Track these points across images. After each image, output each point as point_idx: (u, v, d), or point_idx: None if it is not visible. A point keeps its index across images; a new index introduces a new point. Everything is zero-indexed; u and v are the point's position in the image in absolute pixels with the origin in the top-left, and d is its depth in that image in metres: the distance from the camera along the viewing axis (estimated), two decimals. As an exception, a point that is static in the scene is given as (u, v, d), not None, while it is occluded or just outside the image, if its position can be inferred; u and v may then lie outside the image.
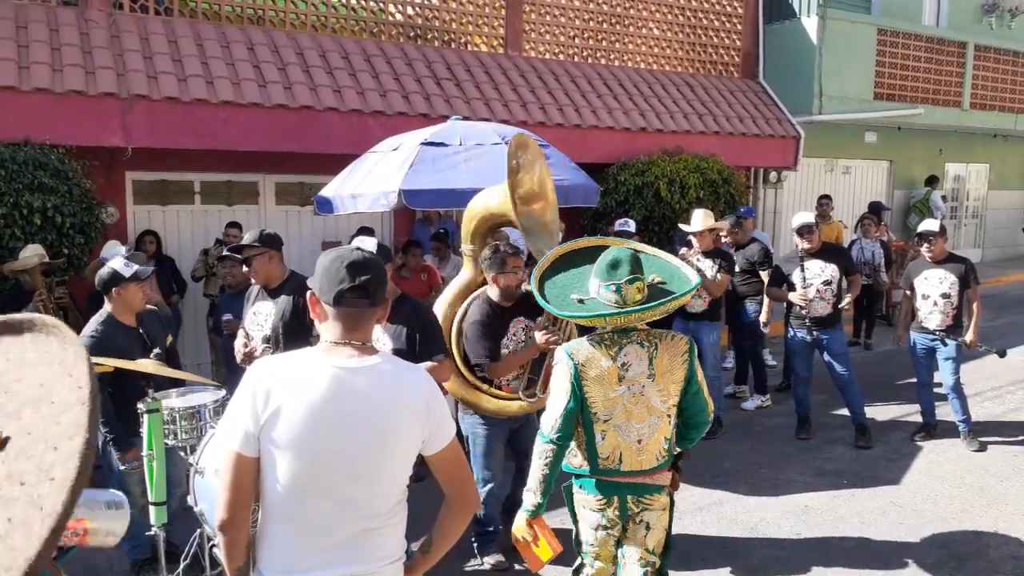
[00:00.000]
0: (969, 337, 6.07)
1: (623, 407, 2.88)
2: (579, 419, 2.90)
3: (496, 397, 4.28)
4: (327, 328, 2.04)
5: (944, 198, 14.44)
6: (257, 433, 1.94)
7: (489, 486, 4.36)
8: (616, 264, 2.83)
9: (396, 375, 2.04)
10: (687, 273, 3.04)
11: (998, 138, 15.68)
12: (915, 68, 12.86)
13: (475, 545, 4.47)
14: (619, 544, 3.02)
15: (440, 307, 4.47)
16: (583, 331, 6.13)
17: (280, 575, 2.00)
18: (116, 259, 4.23)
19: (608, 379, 2.86)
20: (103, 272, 4.14)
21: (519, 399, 4.27)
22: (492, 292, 4.29)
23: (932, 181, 14.13)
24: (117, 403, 4.02)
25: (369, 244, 4.18)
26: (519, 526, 2.96)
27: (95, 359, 3.88)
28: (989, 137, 15.52)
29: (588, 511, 3.00)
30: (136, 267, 4.15)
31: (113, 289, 4.10)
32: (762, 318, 7.02)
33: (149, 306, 4.61)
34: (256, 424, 1.94)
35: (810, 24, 11.75)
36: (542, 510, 2.95)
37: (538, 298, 3.05)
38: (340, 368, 1.97)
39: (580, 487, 3.02)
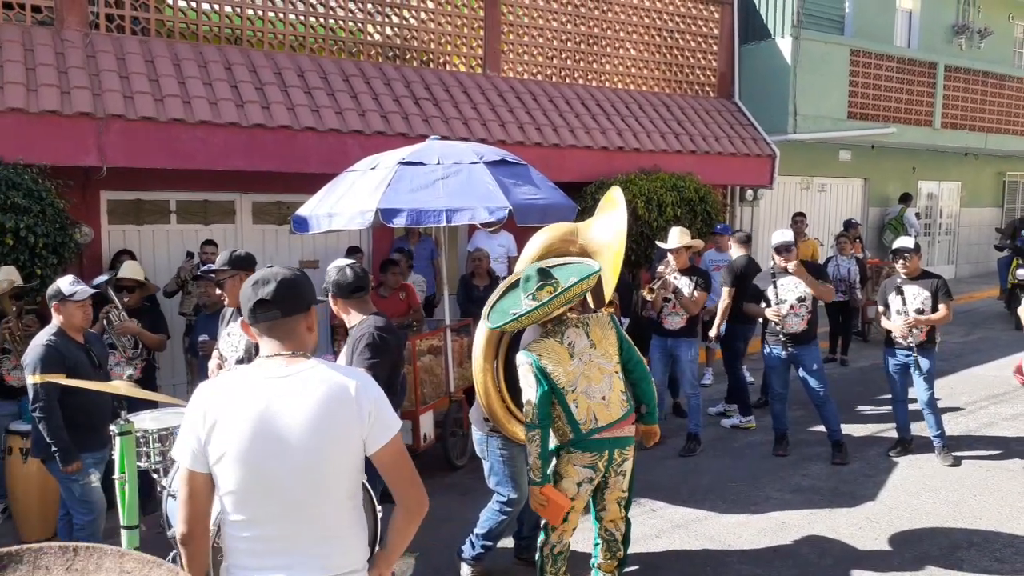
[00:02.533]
0: (923, 317, 6.07)
1: (582, 375, 3.70)
2: (553, 400, 3.66)
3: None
4: (261, 345, 2.16)
5: (918, 215, 14.66)
6: (202, 449, 2.04)
7: (510, 510, 4.34)
8: (528, 279, 3.68)
9: (324, 378, 2.08)
10: (589, 264, 3.85)
11: (969, 156, 15.96)
12: (887, 88, 13.09)
13: (465, 547, 4.45)
14: (594, 494, 3.86)
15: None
16: (650, 328, 6.79)
17: None
18: (66, 277, 4.41)
19: (561, 358, 3.68)
20: (51, 287, 4.36)
21: None
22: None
23: (906, 199, 14.34)
24: (67, 415, 4.14)
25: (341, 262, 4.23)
26: (532, 496, 3.68)
27: (52, 377, 3.92)
28: (960, 155, 15.80)
29: (578, 467, 3.73)
30: (78, 287, 4.31)
31: (53, 304, 4.29)
32: (711, 332, 7.12)
33: (93, 330, 4.73)
34: (199, 441, 2.04)
35: (784, 45, 11.93)
36: (547, 481, 3.66)
37: (483, 322, 3.85)
38: (270, 378, 2.06)
39: (571, 450, 3.72)
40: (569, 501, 3.71)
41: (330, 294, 3.98)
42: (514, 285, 3.95)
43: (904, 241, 6.29)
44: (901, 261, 6.16)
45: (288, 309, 2.11)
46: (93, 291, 4.37)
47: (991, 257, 14.97)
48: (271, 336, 2.12)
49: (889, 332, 6.28)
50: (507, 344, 4.27)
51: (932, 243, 16.13)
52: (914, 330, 6.10)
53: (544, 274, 3.68)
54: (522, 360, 3.67)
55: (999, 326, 12.02)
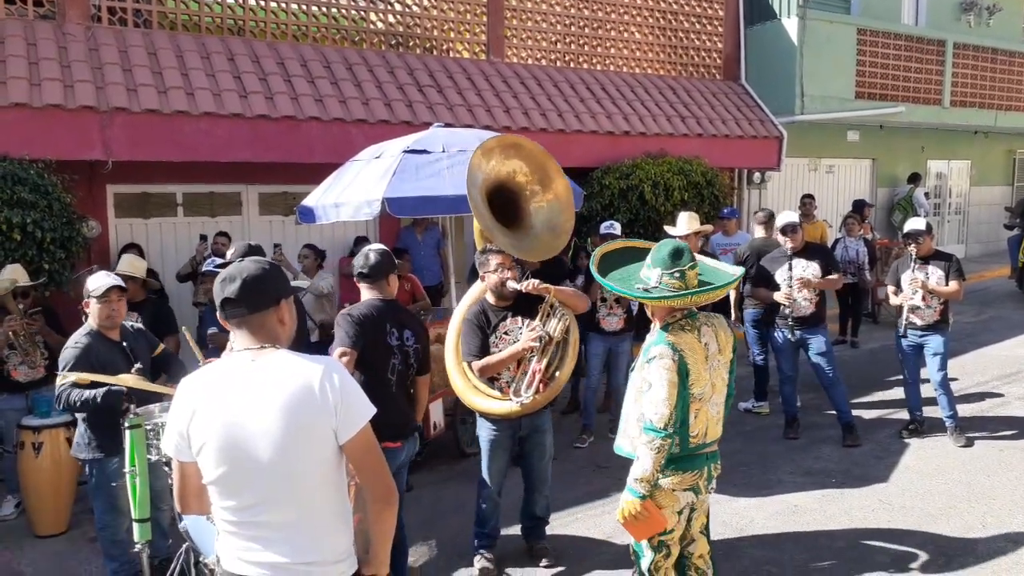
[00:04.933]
0: (932, 286, 6.01)
1: (710, 383, 3.18)
2: None
3: (492, 397, 4.25)
4: (234, 338, 2.22)
5: (927, 195, 14.55)
6: (185, 441, 2.13)
7: (485, 490, 4.41)
8: (678, 253, 3.12)
9: (290, 369, 2.10)
10: (722, 267, 3.42)
11: (979, 135, 15.81)
12: (895, 67, 12.96)
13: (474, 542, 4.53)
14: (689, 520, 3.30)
15: (457, 311, 4.57)
16: (588, 328, 6.14)
17: (229, 562, 2.17)
18: (99, 273, 4.26)
19: (699, 358, 3.13)
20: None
21: (508, 400, 4.21)
22: (488, 293, 4.36)
23: (915, 178, 14.23)
24: (95, 419, 4.04)
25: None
26: (631, 506, 3.07)
27: (76, 373, 3.88)
28: (970, 134, 15.65)
29: (679, 492, 3.18)
30: (100, 282, 4.16)
31: (83, 301, 4.21)
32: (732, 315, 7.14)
33: (138, 325, 4.62)
34: (181, 434, 2.14)
35: (791, 25, 11.82)
36: (653, 495, 3.13)
37: (613, 288, 3.33)
38: (239, 371, 2.12)
39: (672, 471, 3.16)
40: (665, 522, 3.18)
41: None
42: (615, 255, 3.49)
43: (916, 223, 6.24)
44: (914, 244, 6.11)
45: (254, 306, 2.16)
46: (112, 284, 4.23)
47: (1001, 236, 14.84)
48: (241, 330, 2.18)
49: (901, 312, 6.23)
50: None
51: (942, 223, 16.01)
52: (927, 308, 6.05)
53: (691, 253, 3.19)
54: (663, 352, 3.08)
55: (1010, 305, 11.94)
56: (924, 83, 13.35)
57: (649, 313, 3.30)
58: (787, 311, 6.24)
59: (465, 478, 5.75)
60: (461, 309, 4.53)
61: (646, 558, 3.27)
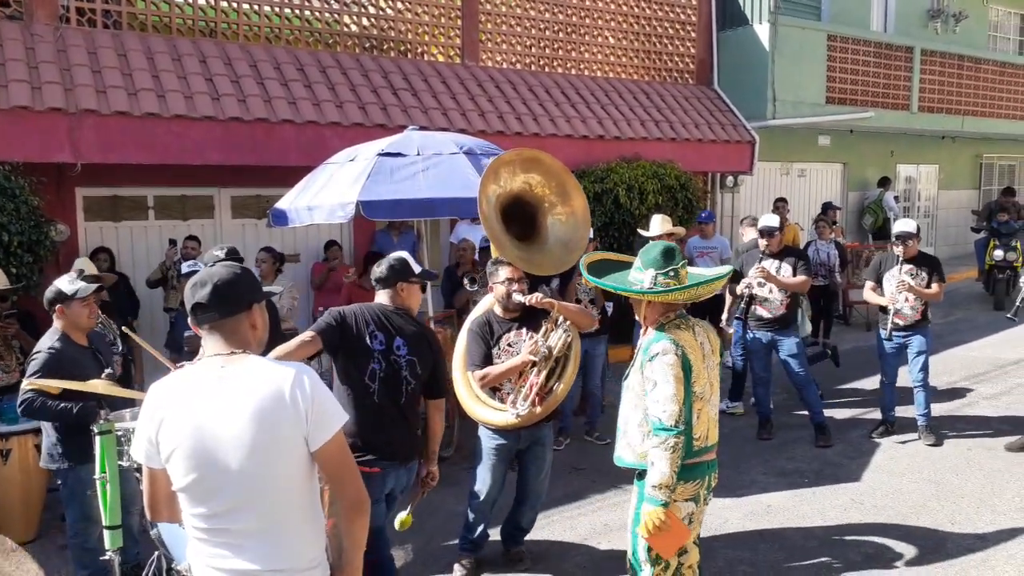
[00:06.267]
0: (914, 285, 6.10)
1: (709, 382, 3.15)
2: None
3: (492, 408, 4.21)
4: (205, 344, 2.20)
5: (897, 198, 14.75)
6: (154, 447, 2.11)
7: (475, 501, 4.36)
8: (670, 253, 3.14)
9: (261, 378, 2.08)
10: (706, 271, 3.48)
11: (946, 139, 16.08)
12: (865, 73, 13.14)
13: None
14: None
15: (468, 320, 4.51)
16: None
17: (200, 569, 2.16)
18: (62, 278, 4.17)
19: (697, 355, 3.10)
20: (48, 290, 4.09)
21: (507, 411, 4.14)
22: (496, 304, 4.35)
23: (885, 182, 14.44)
24: (67, 426, 3.94)
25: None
26: (655, 516, 2.94)
27: (46, 381, 3.82)
28: (938, 139, 15.91)
29: (680, 503, 3.06)
30: (79, 285, 4.08)
31: (57, 307, 4.05)
32: (723, 316, 7.15)
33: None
34: (149, 439, 2.12)
35: (762, 31, 11.95)
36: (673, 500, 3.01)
37: (616, 288, 3.27)
38: (209, 377, 2.09)
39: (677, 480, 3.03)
40: (688, 531, 3.09)
41: None
42: (611, 261, 3.53)
43: (906, 225, 6.32)
44: (902, 246, 6.19)
45: (225, 311, 2.14)
46: (96, 286, 4.15)
47: (968, 239, 15.11)
48: (212, 336, 2.15)
49: (883, 311, 6.29)
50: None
51: (911, 226, 16.23)
52: (910, 309, 6.13)
53: (680, 254, 3.20)
54: (666, 347, 3.02)
55: (977, 307, 12.16)
56: (893, 88, 13.56)
57: (641, 318, 3.23)
58: (757, 310, 6.32)
59: (441, 483, 5.72)
60: (471, 318, 4.50)
61: (644, 572, 3.18)
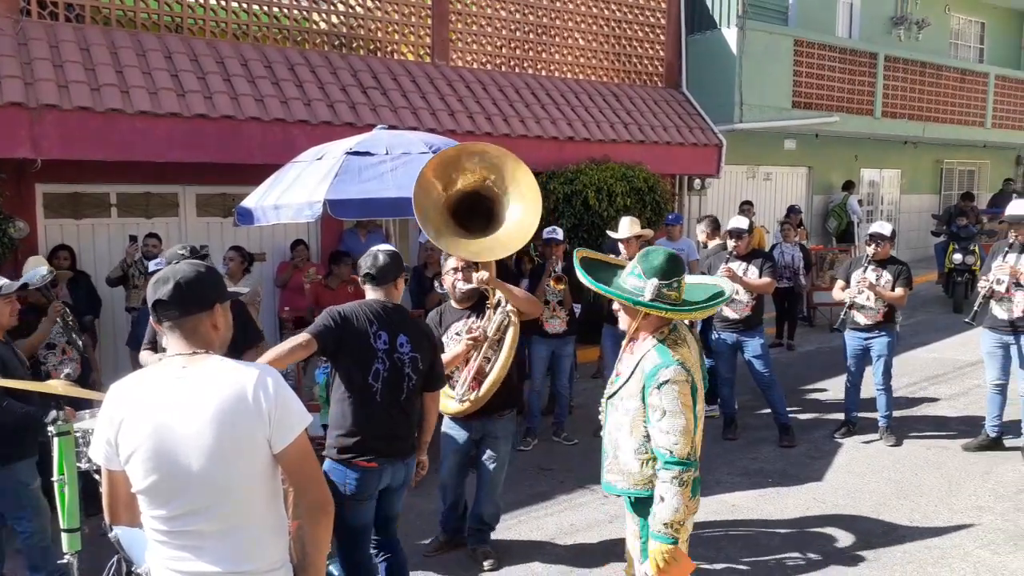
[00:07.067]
0: (878, 288, 6.17)
1: (701, 399, 2.95)
2: None
3: (447, 396, 4.28)
4: (167, 342, 2.17)
5: (860, 202, 15.02)
6: (114, 449, 2.08)
7: (439, 489, 4.60)
8: (674, 263, 2.91)
9: (223, 379, 2.05)
10: (716, 283, 3.26)
11: (908, 144, 16.40)
12: (830, 78, 13.35)
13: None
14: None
15: None
16: (531, 331, 6.17)
17: (160, 572, 2.12)
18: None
19: (699, 377, 2.95)
20: None
21: (454, 398, 4.28)
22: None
23: (849, 186, 14.68)
24: (3, 422, 3.87)
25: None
26: (665, 554, 2.81)
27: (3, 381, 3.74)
28: (900, 144, 16.22)
29: (687, 524, 2.91)
30: (2, 281, 4.08)
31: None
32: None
33: None
34: (108, 440, 2.08)
35: (730, 35, 12.08)
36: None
37: (612, 294, 2.96)
38: (169, 377, 2.06)
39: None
40: (693, 565, 2.97)
41: None
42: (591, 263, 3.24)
43: (882, 227, 6.43)
44: (874, 245, 6.29)
45: (187, 309, 2.10)
46: (20, 284, 4.11)
47: (929, 242, 15.42)
48: (173, 335, 2.12)
49: (851, 310, 6.37)
50: None
51: (874, 229, 16.52)
52: (871, 308, 6.22)
53: (682, 263, 2.99)
54: (677, 375, 2.81)
55: (937, 309, 12.40)
56: (857, 94, 13.79)
57: (631, 327, 3.00)
58: (722, 311, 6.39)
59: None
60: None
61: None
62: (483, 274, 4.14)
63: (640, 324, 2.97)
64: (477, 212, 4.36)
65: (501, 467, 4.50)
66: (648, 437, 2.90)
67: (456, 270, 4.28)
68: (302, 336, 3.38)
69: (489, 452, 4.46)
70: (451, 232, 4.18)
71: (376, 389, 3.47)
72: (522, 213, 4.26)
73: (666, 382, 2.80)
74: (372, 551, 3.73)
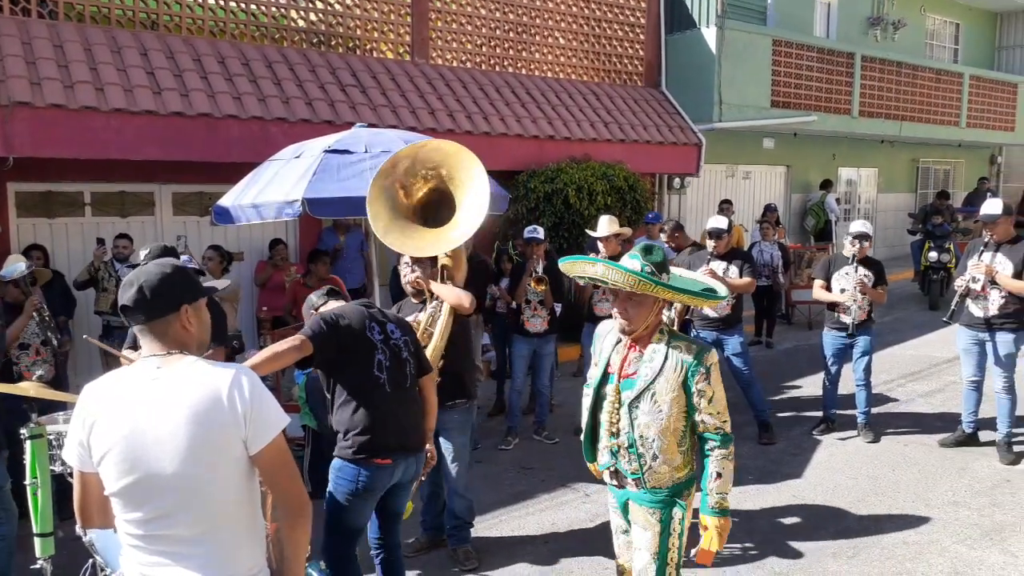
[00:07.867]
0: (864, 285, 6.24)
1: None
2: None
3: None
4: (141, 344, 2.14)
5: (838, 200, 15.15)
6: (86, 451, 2.05)
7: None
8: (648, 248, 2.97)
9: (197, 381, 2.02)
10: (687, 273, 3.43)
11: (885, 144, 16.56)
12: (808, 77, 13.44)
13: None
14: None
15: None
16: (512, 330, 6.21)
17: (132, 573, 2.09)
18: None
19: None
20: None
21: None
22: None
23: (827, 185, 14.80)
24: None
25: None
26: (726, 526, 2.96)
27: None
28: (877, 143, 16.38)
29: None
30: None
31: None
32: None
33: None
34: (80, 442, 2.06)
35: (709, 35, 12.13)
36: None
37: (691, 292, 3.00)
38: (144, 378, 2.03)
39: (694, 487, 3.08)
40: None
41: None
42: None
43: (864, 227, 6.49)
44: (859, 244, 6.34)
45: (152, 313, 2.07)
46: None
47: (905, 241, 15.58)
48: (145, 337, 2.10)
49: (832, 309, 6.41)
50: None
51: (851, 228, 16.68)
52: (858, 308, 6.27)
53: (656, 249, 3.03)
54: (714, 357, 2.95)
55: (914, 307, 12.53)
56: (835, 93, 13.90)
57: (629, 329, 2.96)
58: (703, 311, 6.41)
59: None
60: None
61: None
62: (412, 276, 4.28)
63: (650, 325, 2.97)
64: (444, 205, 4.35)
65: (459, 458, 4.49)
66: (687, 427, 2.97)
67: (407, 265, 4.33)
68: (296, 337, 3.37)
69: (443, 444, 4.45)
70: (398, 231, 4.21)
71: (383, 380, 3.49)
72: (469, 202, 4.23)
73: (711, 365, 2.90)
74: (372, 550, 3.75)
